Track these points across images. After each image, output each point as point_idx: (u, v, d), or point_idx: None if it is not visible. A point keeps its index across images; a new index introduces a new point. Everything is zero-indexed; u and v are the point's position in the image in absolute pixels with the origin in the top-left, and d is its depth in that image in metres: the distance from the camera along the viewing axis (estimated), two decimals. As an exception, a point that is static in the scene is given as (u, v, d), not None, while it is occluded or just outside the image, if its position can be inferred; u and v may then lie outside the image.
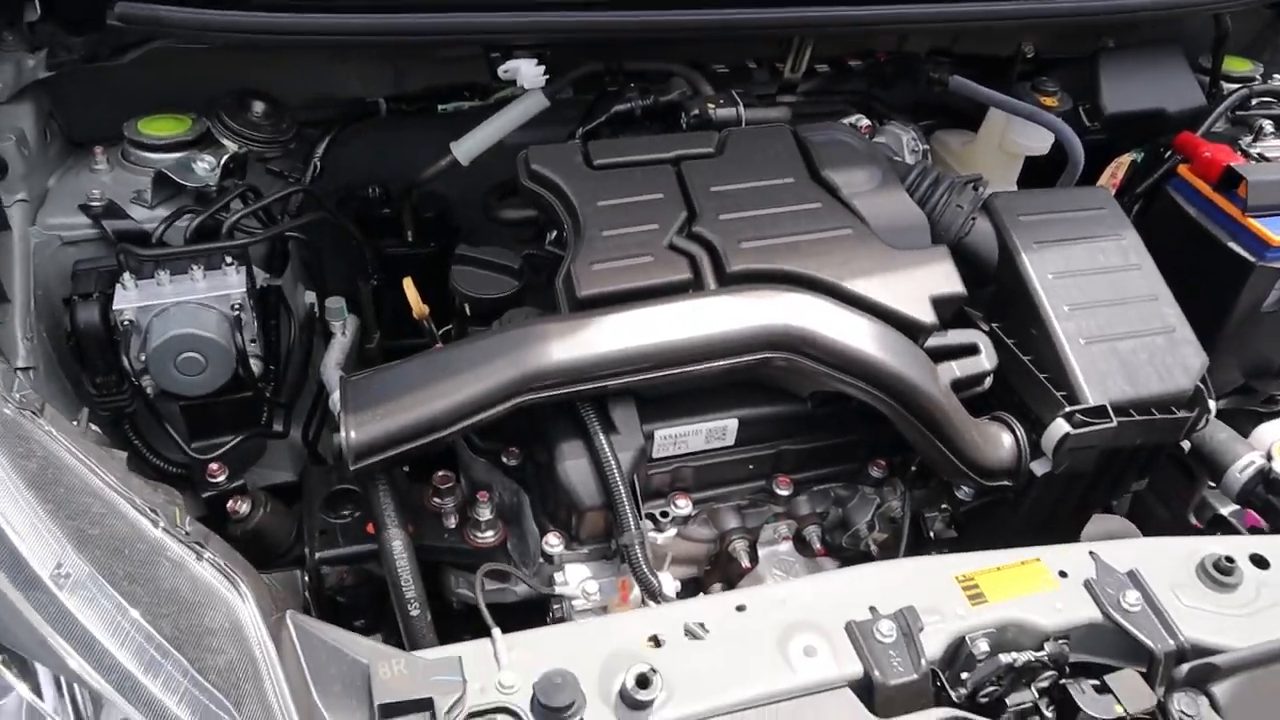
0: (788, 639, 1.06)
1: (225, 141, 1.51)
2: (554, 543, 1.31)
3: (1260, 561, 1.22)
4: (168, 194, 1.48)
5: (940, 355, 1.36)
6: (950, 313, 1.36)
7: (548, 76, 1.53)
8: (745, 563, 1.42)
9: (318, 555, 1.34)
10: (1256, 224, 1.64)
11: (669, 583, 1.36)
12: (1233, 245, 1.66)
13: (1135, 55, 1.92)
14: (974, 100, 1.74)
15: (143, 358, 1.35)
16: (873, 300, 1.30)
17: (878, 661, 1.03)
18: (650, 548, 1.37)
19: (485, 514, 1.37)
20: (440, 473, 1.41)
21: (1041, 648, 1.11)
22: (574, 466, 1.27)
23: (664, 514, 1.37)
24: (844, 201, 1.39)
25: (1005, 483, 1.35)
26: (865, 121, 1.71)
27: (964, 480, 1.35)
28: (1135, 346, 1.36)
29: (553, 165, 1.38)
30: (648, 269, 1.29)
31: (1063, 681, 1.08)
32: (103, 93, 1.57)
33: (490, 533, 1.38)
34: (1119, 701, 1.06)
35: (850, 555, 1.53)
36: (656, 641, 1.05)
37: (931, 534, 1.54)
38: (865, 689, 1.02)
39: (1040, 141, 1.81)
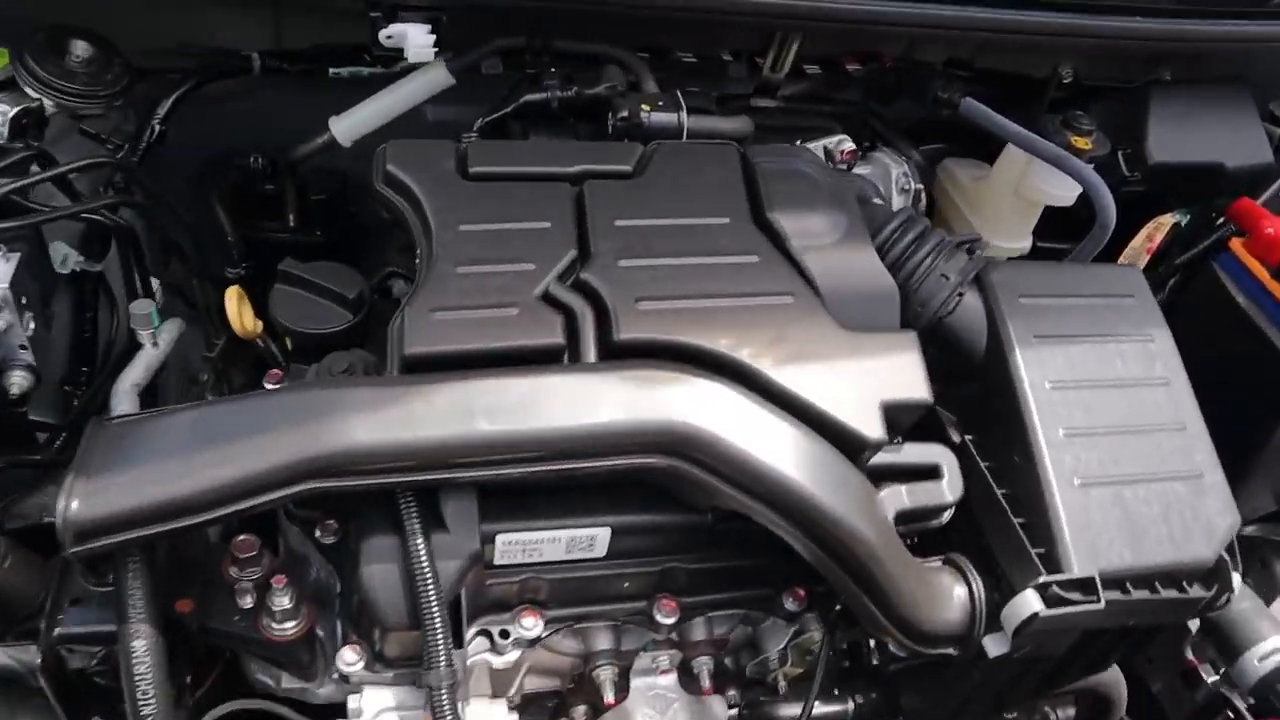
0: None
1: (28, 90, 1.19)
2: (351, 659, 1.01)
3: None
4: (-52, 151, 1.17)
5: (888, 475, 1.04)
6: (910, 421, 1.04)
7: (437, 49, 1.20)
8: (610, 696, 1.12)
9: (56, 632, 1.05)
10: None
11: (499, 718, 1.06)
12: (1288, 352, 1.33)
13: (1193, 94, 1.57)
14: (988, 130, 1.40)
15: None
16: (802, 400, 0.97)
17: None
18: (487, 671, 1.08)
19: (283, 602, 1.07)
20: (243, 537, 1.11)
21: None
22: (381, 572, 0.97)
23: (505, 633, 1.06)
24: (790, 256, 1.06)
25: (949, 651, 1.03)
26: (849, 145, 1.37)
27: (894, 641, 1.04)
28: (1146, 495, 1.03)
29: (413, 168, 1.05)
30: (507, 326, 0.97)
31: None
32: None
33: (289, 624, 1.07)
34: None
35: (753, 685, 1.23)
36: None
37: (875, 661, 1.24)
38: None
39: (1066, 190, 1.47)
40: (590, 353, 0.98)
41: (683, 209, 1.07)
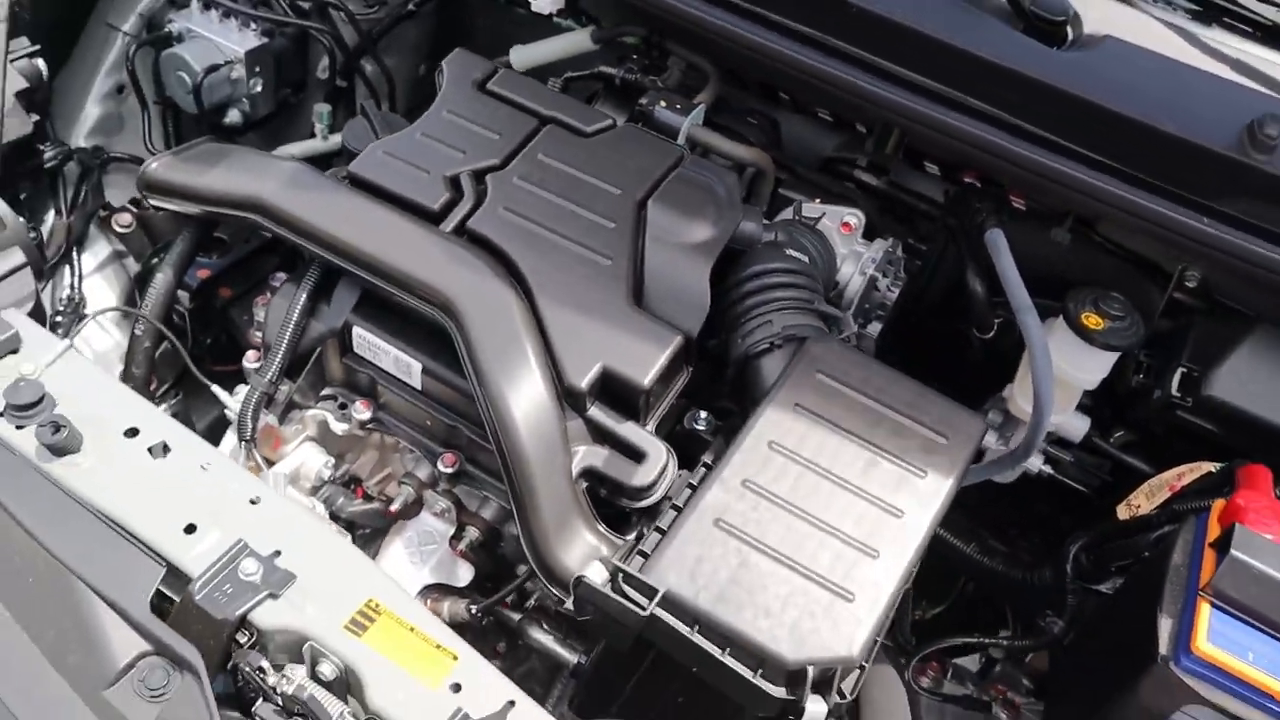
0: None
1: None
2: (253, 359, 1.42)
3: None
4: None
5: (604, 438, 1.18)
6: (629, 396, 1.16)
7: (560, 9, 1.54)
8: (395, 507, 1.39)
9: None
10: (1204, 612, 1.11)
11: (312, 460, 1.40)
12: (1162, 617, 1.13)
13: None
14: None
15: None
16: (545, 326, 1.17)
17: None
18: (330, 431, 1.41)
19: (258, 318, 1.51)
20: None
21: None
22: (278, 304, 1.37)
23: (343, 406, 1.40)
24: (640, 237, 1.24)
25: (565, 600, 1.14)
26: (852, 220, 1.43)
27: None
28: (781, 578, 1.03)
29: (455, 69, 1.42)
30: (412, 182, 1.30)
31: None
32: None
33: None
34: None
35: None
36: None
37: None
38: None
39: (1080, 370, 1.36)
40: (450, 225, 1.27)
41: (595, 171, 1.30)
